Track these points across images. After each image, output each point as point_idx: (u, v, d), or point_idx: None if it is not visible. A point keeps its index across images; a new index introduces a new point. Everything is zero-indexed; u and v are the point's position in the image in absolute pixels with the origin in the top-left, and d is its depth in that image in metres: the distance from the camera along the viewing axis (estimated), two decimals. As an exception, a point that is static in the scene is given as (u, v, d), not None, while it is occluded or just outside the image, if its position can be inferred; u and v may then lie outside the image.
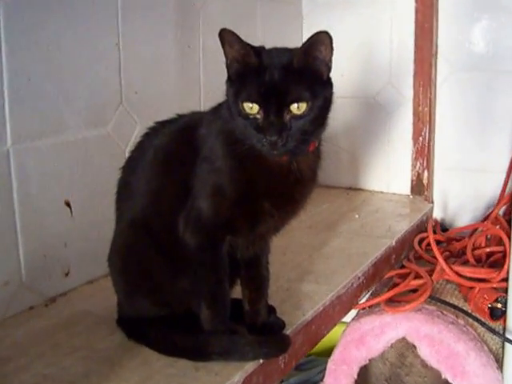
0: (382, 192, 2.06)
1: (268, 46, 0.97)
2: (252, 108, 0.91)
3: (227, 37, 0.92)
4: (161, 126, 1.08)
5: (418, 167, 1.97)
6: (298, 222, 1.73)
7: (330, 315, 1.28)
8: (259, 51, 0.93)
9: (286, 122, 0.91)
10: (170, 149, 1.04)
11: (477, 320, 1.40)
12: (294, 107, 0.91)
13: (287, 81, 0.91)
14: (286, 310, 1.20)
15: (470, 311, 1.43)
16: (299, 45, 0.94)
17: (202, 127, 1.01)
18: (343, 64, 1.99)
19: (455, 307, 1.44)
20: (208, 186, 0.98)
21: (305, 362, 1.97)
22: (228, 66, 0.95)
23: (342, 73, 1.99)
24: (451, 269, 1.50)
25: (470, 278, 1.50)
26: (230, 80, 0.96)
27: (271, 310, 1.15)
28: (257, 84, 0.91)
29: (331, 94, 0.98)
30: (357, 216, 1.81)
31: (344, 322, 1.46)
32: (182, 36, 1.56)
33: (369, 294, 1.54)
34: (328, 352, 1.52)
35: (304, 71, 0.93)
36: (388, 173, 2.05)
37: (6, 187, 1.16)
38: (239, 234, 1.02)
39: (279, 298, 1.25)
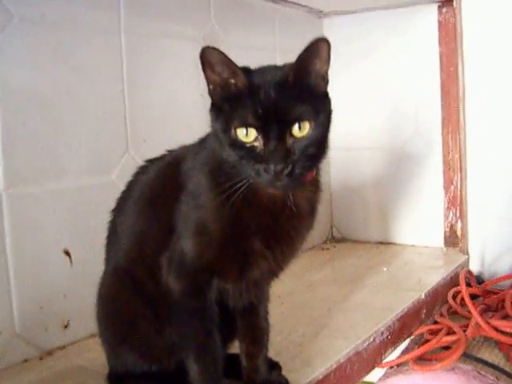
0: (413, 245, 1.95)
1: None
2: (248, 135, 0.81)
3: (210, 57, 0.82)
4: (150, 163, 1.01)
5: (450, 218, 1.86)
6: (321, 276, 1.69)
7: (348, 374, 1.16)
8: (248, 70, 0.85)
9: (289, 146, 0.81)
10: (155, 186, 0.97)
11: (519, 381, 1.26)
12: (295, 129, 0.81)
13: (285, 99, 0.81)
14: (295, 366, 1.09)
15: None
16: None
17: (187, 161, 0.93)
18: (369, 115, 1.95)
19: (494, 367, 1.31)
20: (191, 224, 0.88)
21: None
22: (211, 92, 0.86)
23: (368, 124, 1.94)
24: (488, 323, 1.37)
25: (511, 334, 1.37)
26: (215, 107, 0.86)
27: (274, 366, 1.04)
28: (251, 106, 0.81)
29: (331, 110, 0.88)
30: (385, 269, 1.70)
31: (370, 383, 1.34)
32: (196, 84, 1.52)
33: (398, 351, 1.40)
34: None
35: (301, 87, 0.83)
36: (420, 225, 1.94)
37: (-3, 232, 1.12)
38: (228, 278, 0.91)
39: (289, 354, 1.16)
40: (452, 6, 1.80)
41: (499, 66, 1.76)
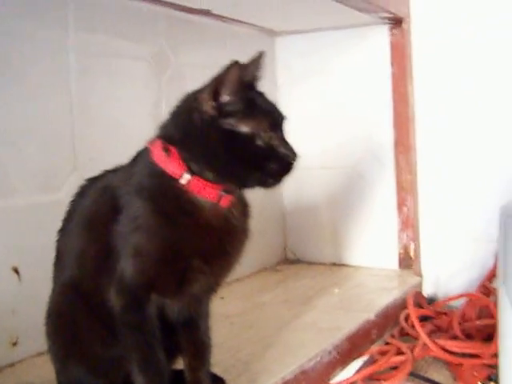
0: (367, 267, 1.92)
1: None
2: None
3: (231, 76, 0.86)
4: (90, 183, 1.01)
5: (404, 239, 1.86)
6: (272, 297, 1.66)
7: (294, 393, 1.13)
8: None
9: None
10: (92, 208, 0.96)
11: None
12: None
13: None
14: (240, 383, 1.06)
15: (458, 390, 1.28)
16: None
17: (122, 185, 0.92)
18: (321, 134, 1.95)
19: (441, 386, 1.29)
20: (130, 245, 0.88)
21: None
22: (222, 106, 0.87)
23: (321, 143, 1.93)
24: (435, 343, 1.37)
25: (458, 354, 1.36)
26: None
27: (218, 381, 1.04)
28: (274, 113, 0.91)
29: None
30: (336, 291, 1.68)
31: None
32: (145, 103, 1.50)
33: (350, 372, 1.38)
34: None
35: None
36: (373, 246, 1.93)
37: None
38: (166, 294, 0.92)
39: (235, 371, 1.13)
40: (402, 27, 1.82)
41: (448, 86, 1.78)
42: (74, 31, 1.33)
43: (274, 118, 0.90)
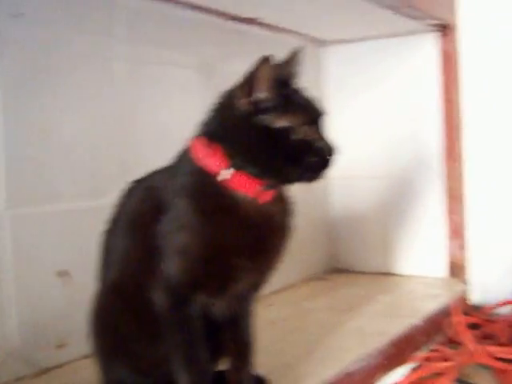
0: (415, 276, 1.93)
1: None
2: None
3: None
4: (135, 184, 1.03)
5: (453, 247, 1.85)
6: (318, 303, 1.68)
7: (338, 395, 1.15)
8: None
9: None
10: (137, 209, 0.98)
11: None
12: None
13: None
14: (282, 385, 1.09)
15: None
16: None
17: (165, 184, 0.94)
18: (370, 143, 1.96)
19: (488, 393, 1.29)
20: (174, 244, 0.90)
21: None
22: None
23: (369, 152, 1.95)
24: (481, 350, 1.37)
25: (505, 360, 1.35)
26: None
27: (261, 381, 1.05)
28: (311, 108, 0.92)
29: None
30: (383, 298, 1.69)
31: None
32: (188, 110, 1.54)
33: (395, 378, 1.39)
34: None
35: None
36: (421, 255, 1.93)
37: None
38: (210, 293, 0.93)
39: (279, 373, 1.15)
40: (451, 34, 1.83)
41: (497, 94, 1.79)
42: (122, 40, 1.37)
43: (310, 113, 0.91)
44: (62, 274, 1.25)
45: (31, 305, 1.19)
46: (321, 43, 2.05)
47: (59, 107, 1.25)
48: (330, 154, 0.91)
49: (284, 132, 0.88)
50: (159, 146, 1.46)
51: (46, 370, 1.21)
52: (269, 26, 1.76)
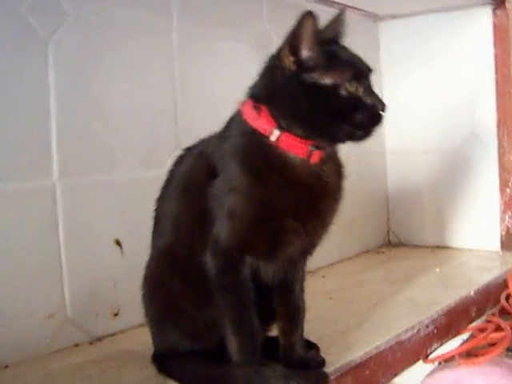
0: (470, 249, 1.91)
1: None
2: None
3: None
4: (187, 151, 1.05)
5: (506, 221, 1.83)
6: (372, 275, 1.69)
7: (389, 362, 1.15)
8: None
9: None
10: (189, 174, 1.00)
11: None
12: None
13: None
14: (334, 351, 1.09)
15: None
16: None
17: (216, 148, 0.95)
18: (424, 118, 1.95)
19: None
20: (224, 207, 0.90)
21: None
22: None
23: (423, 127, 1.94)
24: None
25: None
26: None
27: (312, 346, 1.05)
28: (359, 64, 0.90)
29: None
30: (438, 270, 1.68)
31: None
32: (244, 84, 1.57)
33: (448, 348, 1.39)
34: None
35: None
36: (475, 228, 1.91)
37: (51, 221, 1.18)
38: (260, 256, 0.93)
39: (331, 340, 1.16)
40: (505, 7, 1.79)
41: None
42: (177, 14, 1.39)
43: (358, 69, 0.89)
44: (117, 242, 1.29)
45: (86, 274, 1.23)
46: (377, 18, 2.04)
47: (114, 78, 1.28)
48: (381, 110, 0.89)
49: (332, 88, 0.86)
50: (214, 117, 1.47)
51: (101, 337, 1.25)
52: (325, 1, 1.74)
